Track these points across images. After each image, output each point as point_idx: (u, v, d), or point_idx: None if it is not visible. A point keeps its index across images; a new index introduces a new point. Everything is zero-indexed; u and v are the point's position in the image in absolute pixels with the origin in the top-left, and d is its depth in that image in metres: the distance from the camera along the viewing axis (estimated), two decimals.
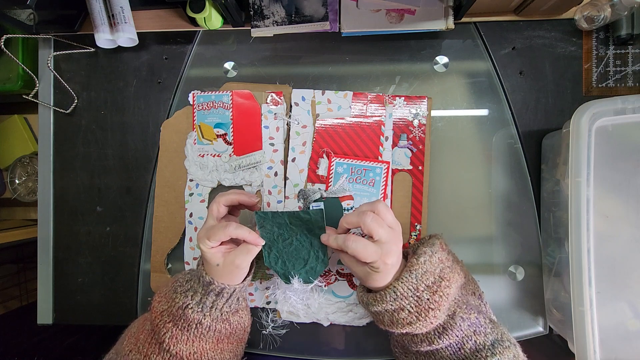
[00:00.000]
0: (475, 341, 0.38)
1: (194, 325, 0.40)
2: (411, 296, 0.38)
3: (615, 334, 0.40)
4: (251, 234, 0.41)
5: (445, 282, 0.39)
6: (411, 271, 0.39)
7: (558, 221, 0.46)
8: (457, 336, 0.38)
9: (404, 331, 0.39)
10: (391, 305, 0.39)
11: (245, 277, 0.43)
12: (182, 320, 0.40)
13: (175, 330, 0.40)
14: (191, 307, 0.40)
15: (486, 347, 0.38)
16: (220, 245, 0.41)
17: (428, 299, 0.38)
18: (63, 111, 0.56)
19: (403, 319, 0.38)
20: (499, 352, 0.37)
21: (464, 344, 0.38)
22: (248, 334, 0.47)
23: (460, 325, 0.38)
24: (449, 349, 0.39)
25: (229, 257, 0.40)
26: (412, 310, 0.38)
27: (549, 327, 0.50)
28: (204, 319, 0.40)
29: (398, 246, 0.39)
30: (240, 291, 0.43)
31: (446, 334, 0.38)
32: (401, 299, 0.38)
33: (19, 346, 0.78)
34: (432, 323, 0.38)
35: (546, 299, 0.49)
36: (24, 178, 0.84)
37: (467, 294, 0.43)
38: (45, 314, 0.57)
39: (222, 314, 0.41)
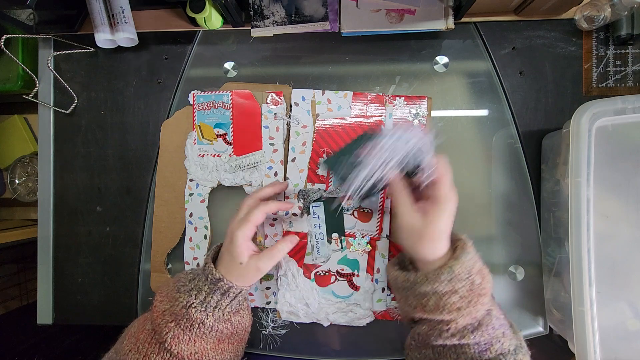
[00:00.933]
0: (502, 343, 0.36)
1: (197, 325, 0.40)
2: (466, 279, 0.36)
3: (615, 334, 0.40)
4: (283, 204, 0.46)
5: (486, 270, 0.38)
6: (467, 252, 0.37)
7: (558, 221, 0.46)
8: (489, 335, 0.36)
9: (443, 318, 0.37)
10: (445, 286, 0.36)
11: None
12: (184, 320, 0.40)
13: (178, 329, 0.40)
14: (195, 306, 0.40)
15: (510, 352, 0.36)
16: (249, 242, 0.43)
17: (479, 284, 0.36)
18: (63, 111, 0.56)
19: (453, 303, 0.36)
20: (520, 359, 0.36)
21: (492, 344, 0.36)
22: (249, 333, 0.47)
23: (494, 323, 0.37)
24: (477, 347, 0.37)
25: (253, 259, 0.42)
26: (465, 295, 0.36)
27: (549, 327, 0.50)
28: (207, 318, 0.40)
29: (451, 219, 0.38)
30: (244, 292, 0.43)
31: (479, 330, 0.36)
32: (456, 281, 0.36)
33: (19, 346, 0.78)
34: (478, 311, 0.36)
35: (546, 299, 0.49)
36: (24, 178, 0.84)
37: None
38: (45, 314, 0.57)
39: (224, 314, 0.41)
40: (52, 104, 0.57)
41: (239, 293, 0.42)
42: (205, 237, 0.53)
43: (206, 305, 0.40)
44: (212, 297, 0.40)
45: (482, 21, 0.52)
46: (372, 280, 0.50)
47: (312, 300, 0.50)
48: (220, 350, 0.43)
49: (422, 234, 0.38)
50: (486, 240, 0.51)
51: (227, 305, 0.41)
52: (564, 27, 0.51)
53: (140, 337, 0.41)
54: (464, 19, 0.51)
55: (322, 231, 0.51)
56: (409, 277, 0.39)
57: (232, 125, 0.53)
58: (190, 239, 0.54)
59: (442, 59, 0.52)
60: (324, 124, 0.52)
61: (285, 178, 0.52)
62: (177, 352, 0.39)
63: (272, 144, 0.52)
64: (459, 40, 0.52)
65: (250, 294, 0.52)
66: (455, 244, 0.40)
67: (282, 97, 0.52)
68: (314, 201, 0.50)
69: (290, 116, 0.52)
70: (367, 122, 0.51)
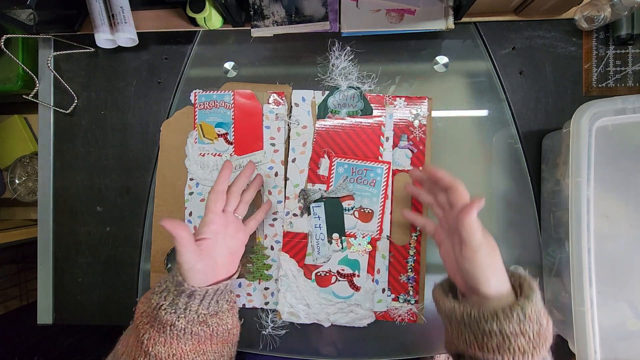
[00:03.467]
0: None
1: (168, 327, 0.38)
2: (535, 320, 0.34)
3: (616, 334, 0.40)
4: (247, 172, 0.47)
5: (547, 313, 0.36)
6: (536, 292, 0.35)
7: (558, 221, 0.46)
8: None
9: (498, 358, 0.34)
10: (514, 327, 0.33)
11: (223, 280, 0.42)
12: (157, 322, 0.38)
13: (152, 331, 0.39)
14: (164, 308, 0.38)
15: None
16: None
17: (546, 327, 0.34)
18: (63, 111, 0.56)
19: (520, 346, 0.33)
20: None
21: None
22: (236, 335, 0.45)
23: None
24: None
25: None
26: (533, 338, 0.33)
27: None
28: (178, 320, 0.38)
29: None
30: (217, 294, 0.41)
31: None
32: (527, 322, 0.33)
33: (19, 346, 0.78)
34: (538, 357, 0.34)
35: (546, 299, 0.49)
36: (24, 178, 0.84)
37: None
38: (45, 314, 0.57)
39: (198, 316, 0.40)
40: (52, 104, 0.57)
41: (206, 293, 0.40)
42: None
43: (175, 307, 0.39)
44: (179, 299, 0.39)
45: (482, 21, 0.52)
46: (372, 281, 0.50)
47: (313, 300, 0.50)
48: (202, 351, 0.41)
49: (471, 275, 0.36)
50: None
51: (199, 306, 0.40)
52: (564, 27, 0.51)
53: (130, 340, 0.40)
54: (464, 19, 0.51)
55: (322, 231, 0.51)
56: (470, 312, 0.35)
57: (233, 125, 0.53)
58: None
59: (442, 59, 0.52)
60: (325, 125, 0.52)
61: (286, 178, 0.52)
62: (155, 354, 0.38)
63: (273, 144, 0.52)
64: (459, 40, 0.52)
65: (249, 294, 0.52)
66: (517, 280, 0.37)
67: (283, 98, 0.52)
68: (315, 201, 0.50)
69: (290, 117, 0.52)
70: (368, 123, 0.51)
